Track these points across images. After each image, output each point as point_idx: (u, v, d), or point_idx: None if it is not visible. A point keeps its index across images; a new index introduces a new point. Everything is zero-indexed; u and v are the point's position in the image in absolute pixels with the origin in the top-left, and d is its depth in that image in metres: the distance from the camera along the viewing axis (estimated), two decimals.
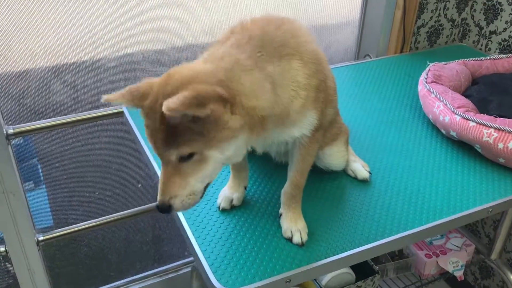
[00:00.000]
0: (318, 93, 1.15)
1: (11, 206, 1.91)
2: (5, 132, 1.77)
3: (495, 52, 2.33)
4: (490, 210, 1.40)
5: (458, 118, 1.57)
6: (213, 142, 0.96)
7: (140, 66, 2.02)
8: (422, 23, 2.35)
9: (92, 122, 1.96)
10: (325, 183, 1.46)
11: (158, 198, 1.00)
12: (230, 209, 1.34)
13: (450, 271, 2.10)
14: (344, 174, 1.50)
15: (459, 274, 2.11)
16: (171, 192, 0.99)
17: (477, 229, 2.60)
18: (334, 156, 1.42)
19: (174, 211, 1.01)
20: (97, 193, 2.39)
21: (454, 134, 1.60)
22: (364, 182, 1.47)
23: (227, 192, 1.34)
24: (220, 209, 1.33)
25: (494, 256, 2.16)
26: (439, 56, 2.29)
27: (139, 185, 2.38)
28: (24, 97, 1.88)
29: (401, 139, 1.69)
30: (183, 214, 1.32)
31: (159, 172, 1.50)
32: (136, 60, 2.00)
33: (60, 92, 1.93)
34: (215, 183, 1.44)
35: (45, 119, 1.90)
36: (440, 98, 1.67)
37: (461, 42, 2.51)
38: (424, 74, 1.84)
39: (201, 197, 1.05)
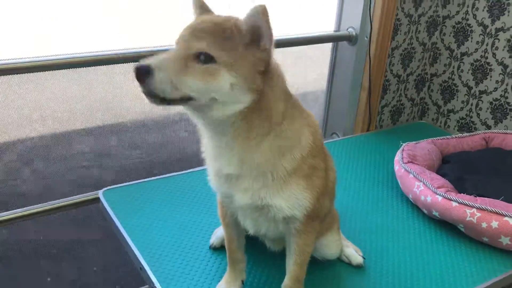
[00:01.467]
0: (313, 171, 1.12)
1: None
2: None
3: (454, 128, 2.47)
4: None
5: (440, 198, 1.61)
6: (235, 66, 0.95)
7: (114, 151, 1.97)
8: (386, 103, 2.46)
9: (67, 211, 1.85)
10: (320, 272, 1.43)
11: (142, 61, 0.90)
12: None
13: None
14: (338, 260, 1.48)
15: None
16: (159, 64, 0.91)
17: None
18: (330, 246, 1.40)
19: (151, 76, 0.89)
20: None
21: (436, 214, 1.64)
22: (359, 267, 1.45)
23: (224, 286, 1.28)
24: None
25: None
26: (403, 134, 2.39)
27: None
28: None
29: (386, 219, 1.71)
30: None
31: (139, 254, 1.42)
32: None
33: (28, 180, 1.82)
34: (209, 279, 1.37)
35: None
36: (419, 178, 1.72)
37: (421, 119, 2.65)
38: (399, 154, 1.91)
39: (171, 103, 0.95)
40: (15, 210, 1.72)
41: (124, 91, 1.92)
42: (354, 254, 1.46)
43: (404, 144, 1.96)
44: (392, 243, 1.58)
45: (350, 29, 2.31)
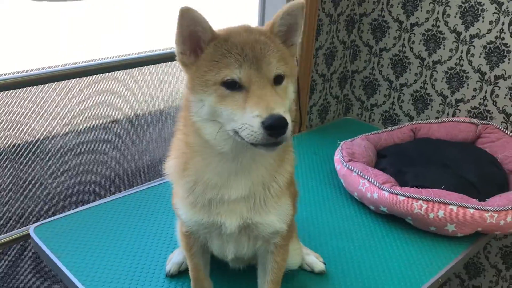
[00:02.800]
0: (290, 185, 1.13)
1: None
2: None
3: (379, 122, 2.55)
4: (439, 280, 1.46)
5: (387, 194, 1.64)
6: (292, 71, 1.00)
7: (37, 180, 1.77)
8: (314, 103, 2.49)
9: None
10: (284, 284, 1.38)
11: (266, 112, 0.86)
12: None
13: None
14: (300, 270, 1.45)
15: None
16: (279, 107, 0.88)
17: None
18: (292, 255, 1.35)
19: (288, 128, 0.88)
20: None
21: (384, 209, 1.67)
22: (321, 274, 1.43)
23: None
24: None
25: None
26: (331, 132, 2.43)
27: None
28: None
29: (336, 220, 1.71)
30: None
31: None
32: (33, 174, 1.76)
33: None
34: None
35: None
36: (362, 175, 1.74)
37: (346, 115, 2.71)
38: (338, 153, 1.92)
39: None
40: None
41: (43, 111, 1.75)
42: (315, 261, 1.44)
43: (341, 143, 1.99)
44: (347, 243, 1.58)
45: None
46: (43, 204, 1.77)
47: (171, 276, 1.36)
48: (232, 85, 0.92)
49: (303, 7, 0.99)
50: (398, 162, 1.90)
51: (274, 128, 0.86)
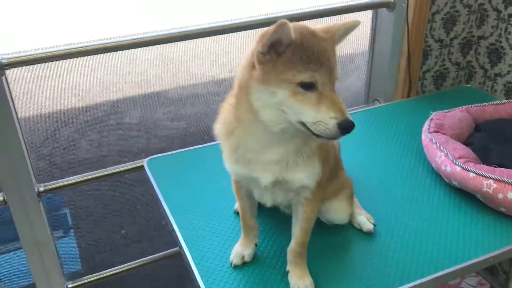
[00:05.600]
0: (321, 148, 1.28)
1: (43, 256, 2.04)
2: (36, 190, 1.92)
3: (501, 93, 2.40)
4: (492, 259, 1.47)
5: (458, 168, 1.64)
6: None
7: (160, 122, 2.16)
8: (427, 68, 2.44)
9: (115, 177, 2.10)
10: (331, 236, 1.55)
11: (342, 116, 1.07)
12: (242, 265, 1.44)
13: None
14: (349, 226, 1.59)
15: None
16: (347, 112, 1.08)
17: (494, 265, 2.62)
18: (336, 211, 1.51)
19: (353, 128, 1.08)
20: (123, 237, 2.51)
21: (456, 183, 1.67)
22: (369, 234, 1.55)
23: (239, 249, 1.44)
24: (232, 266, 1.43)
25: None
26: (446, 99, 2.37)
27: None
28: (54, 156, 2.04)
29: (406, 188, 1.77)
30: (197, 269, 1.42)
31: (172, 219, 1.61)
32: (156, 116, 2.15)
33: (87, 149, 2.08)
34: (229, 241, 1.54)
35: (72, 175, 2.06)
36: (441, 148, 1.75)
37: (468, 83, 2.59)
38: (426, 123, 1.93)
39: None
40: (72, 177, 2.00)
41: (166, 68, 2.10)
42: (365, 221, 1.56)
43: (433, 113, 1.98)
44: (408, 211, 1.65)
45: None
46: (163, 143, 2.16)
47: (237, 213, 1.62)
48: (308, 86, 1.09)
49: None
50: (488, 137, 1.83)
51: (348, 130, 1.08)
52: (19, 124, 1.88)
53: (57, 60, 1.83)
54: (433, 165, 1.80)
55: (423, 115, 2.23)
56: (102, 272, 2.33)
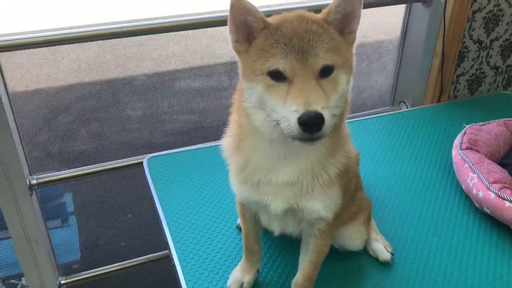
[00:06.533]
0: (344, 175, 1.10)
1: (34, 252, 1.92)
2: (28, 182, 1.78)
3: None
4: None
5: (492, 195, 1.45)
6: (346, 61, 0.96)
7: (166, 115, 2.00)
8: (462, 72, 2.22)
9: (113, 172, 1.96)
10: (342, 263, 1.37)
11: (304, 108, 0.85)
12: None
13: None
14: (363, 252, 1.41)
15: None
16: (318, 102, 0.87)
17: None
18: (351, 238, 1.34)
19: (325, 125, 0.87)
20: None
21: (488, 211, 1.48)
22: (385, 264, 1.37)
23: (238, 275, 1.28)
24: None
25: None
26: (481, 107, 2.16)
27: None
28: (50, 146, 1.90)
29: (430, 209, 1.58)
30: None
31: (167, 230, 1.47)
32: (162, 110, 1.99)
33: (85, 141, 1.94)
34: (228, 261, 1.38)
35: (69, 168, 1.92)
36: (474, 169, 1.55)
37: (506, 90, 2.36)
38: (459, 138, 1.73)
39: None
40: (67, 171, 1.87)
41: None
42: (382, 249, 1.38)
43: (467, 126, 1.77)
44: (431, 237, 1.47)
45: None
46: (168, 137, 2.00)
47: (240, 229, 1.45)
48: (277, 76, 0.91)
49: None
50: None
51: (307, 125, 0.86)
52: (13, 112, 1.75)
53: (45, 46, 1.68)
54: (463, 186, 1.60)
55: (454, 124, 2.04)
56: (96, 269, 2.22)
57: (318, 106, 0.86)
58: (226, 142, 1.12)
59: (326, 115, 0.87)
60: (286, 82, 0.91)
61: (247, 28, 0.95)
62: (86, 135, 1.93)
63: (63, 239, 2.54)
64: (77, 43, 1.76)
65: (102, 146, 1.97)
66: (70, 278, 2.12)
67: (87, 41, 1.78)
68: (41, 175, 1.84)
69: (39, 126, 1.86)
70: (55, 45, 1.70)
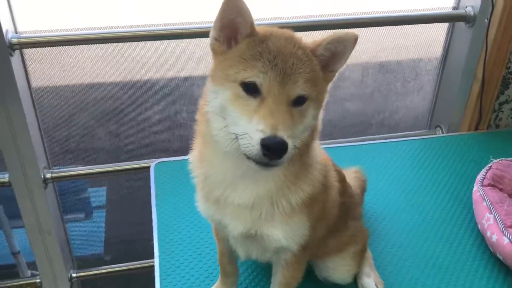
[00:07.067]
0: (314, 201, 1.02)
1: (46, 243, 1.97)
2: (42, 176, 1.83)
3: None
4: None
5: (506, 241, 1.30)
6: (319, 96, 0.93)
7: (184, 120, 1.99)
8: (506, 99, 2.03)
9: (127, 174, 1.98)
10: None
11: (271, 131, 0.81)
12: None
13: None
14: (352, 284, 1.31)
15: None
16: (286, 130, 0.83)
17: None
18: (337, 270, 1.25)
19: (286, 155, 0.83)
20: None
21: (501, 258, 1.33)
22: None
23: None
24: None
25: None
26: None
27: None
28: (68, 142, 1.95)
29: (439, 248, 1.45)
30: None
31: (156, 243, 1.44)
32: (180, 115, 1.98)
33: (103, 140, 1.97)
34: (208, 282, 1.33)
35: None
36: (491, 209, 1.40)
37: None
38: (482, 172, 1.58)
39: None
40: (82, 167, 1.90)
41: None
42: (371, 286, 1.28)
43: (494, 161, 1.61)
44: (436, 281, 1.33)
45: (468, 8, 1.92)
46: (184, 142, 1.99)
47: None
48: (251, 89, 0.86)
49: (356, 41, 0.91)
50: None
51: (270, 150, 0.81)
52: (34, 107, 1.81)
53: (68, 45, 1.72)
54: (479, 226, 1.46)
55: (486, 157, 1.86)
56: (109, 266, 2.25)
57: (285, 134, 0.82)
58: (192, 155, 1.07)
59: (290, 145, 0.83)
60: (258, 98, 0.86)
61: (233, 30, 0.90)
62: (105, 134, 1.96)
63: (86, 232, 2.61)
64: (102, 43, 1.80)
65: (118, 147, 1.99)
66: (83, 272, 2.16)
67: (111, 42, 1.81)
68: (56, 170, 1.89)
69: (60, 123, 1.91)
70: (76, 45, 1.74)
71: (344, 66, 0.96)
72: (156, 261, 1.38)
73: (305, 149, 0.96)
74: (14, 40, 1.58)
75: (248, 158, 0.86)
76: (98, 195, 2.75)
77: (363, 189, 1.51)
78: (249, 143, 0.83)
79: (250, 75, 0.86)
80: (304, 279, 1.16)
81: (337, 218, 1.17)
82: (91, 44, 1.77)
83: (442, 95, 2.19)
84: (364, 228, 1.35)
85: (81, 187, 2.42)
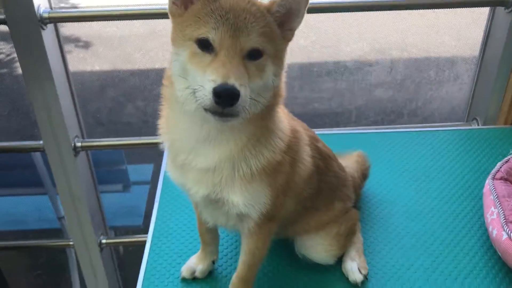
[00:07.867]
0: (278, 167, 1.03)
1: (77, 209, 2.11)
2: (73, 144, 1.96)
3: None
4: None
5: (504, 236, 1.22)
6: (278, 53, 0.95)
7: None
8: None
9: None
10: (304, 273, 1.27)
11: (221, 80, 0.84)
12: (192, 280, 1.27)
13: None
14: (336, 266, 1.29)
15: None
16: (237, 78, 0.85)
17: None
18: (314, 249, 1.24)
19: (239, 102, 0.85)
20: None
21: (499, 253, 1.26)
22: (355, 286, 1.25)
23: (192, 262, 1.28)
24: (180, 278, 1.27)
25: None
26: None
27: None
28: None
29: (443, 238, 1.39)
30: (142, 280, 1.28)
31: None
32: None
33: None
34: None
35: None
36: (496, 203, 1.32)
37: None
38: (498, 165, 1.48)
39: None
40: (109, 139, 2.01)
41: None
42: (354, 269, 1.26)
43: None
44: (430, 271, 1.29)
45: None
46: None
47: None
48: (205, 45, 0.90)
49: None
50: None
51: (221, 96, 0.84)
52: (68, 79, 1.93)
53: (100, 21, 1.81)
54: (485, 220, 1.38)
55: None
56: (140, 235, 2.36)
57: (236, 82, 0.85)
58: (160, 121, 1.09)
59: (243, 92, 0.85)
60: (212, 53, 0.89)
61: None
62: (133, 109, 2.06)
63: (126, 204, 2.75)
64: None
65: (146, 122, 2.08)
66: (110, 239, 2.29)
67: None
68: (87, 140, 2.01)
69: (93, 98, 2.02)
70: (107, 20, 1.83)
71: (302, 23, 0.96)
72: (151, 226, 1.43)
73: (267, 112, 0.97)
74: (45, 15, 1.69)
75: (206, 111, 0.89)
76: (144, 171, 2.89)
77: (364, 174, 1.47)
78: (203, 94, 0.86)
79: (203, 32, 0.89)
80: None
81: (313, 196, 1.16)
82: (123, 20, 1.84)
83: (481, 86, 2.06)
84: (354, 211, 1.33)
85: (119, 160, 2.56)
